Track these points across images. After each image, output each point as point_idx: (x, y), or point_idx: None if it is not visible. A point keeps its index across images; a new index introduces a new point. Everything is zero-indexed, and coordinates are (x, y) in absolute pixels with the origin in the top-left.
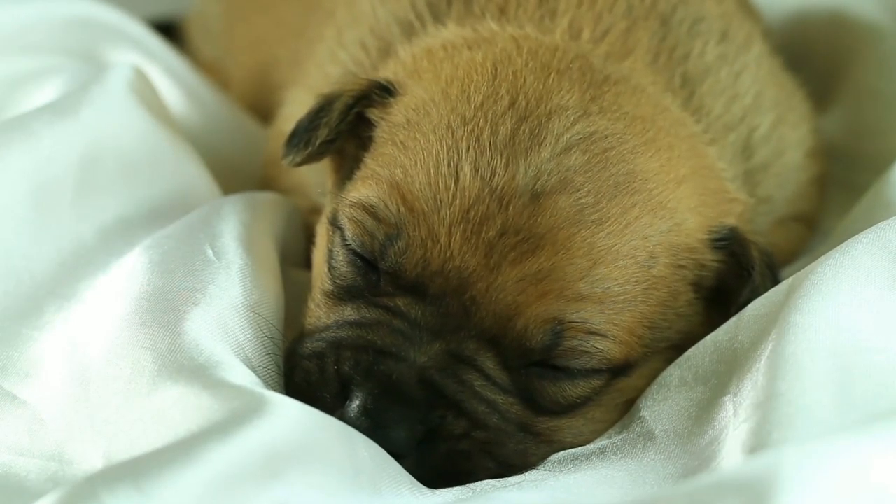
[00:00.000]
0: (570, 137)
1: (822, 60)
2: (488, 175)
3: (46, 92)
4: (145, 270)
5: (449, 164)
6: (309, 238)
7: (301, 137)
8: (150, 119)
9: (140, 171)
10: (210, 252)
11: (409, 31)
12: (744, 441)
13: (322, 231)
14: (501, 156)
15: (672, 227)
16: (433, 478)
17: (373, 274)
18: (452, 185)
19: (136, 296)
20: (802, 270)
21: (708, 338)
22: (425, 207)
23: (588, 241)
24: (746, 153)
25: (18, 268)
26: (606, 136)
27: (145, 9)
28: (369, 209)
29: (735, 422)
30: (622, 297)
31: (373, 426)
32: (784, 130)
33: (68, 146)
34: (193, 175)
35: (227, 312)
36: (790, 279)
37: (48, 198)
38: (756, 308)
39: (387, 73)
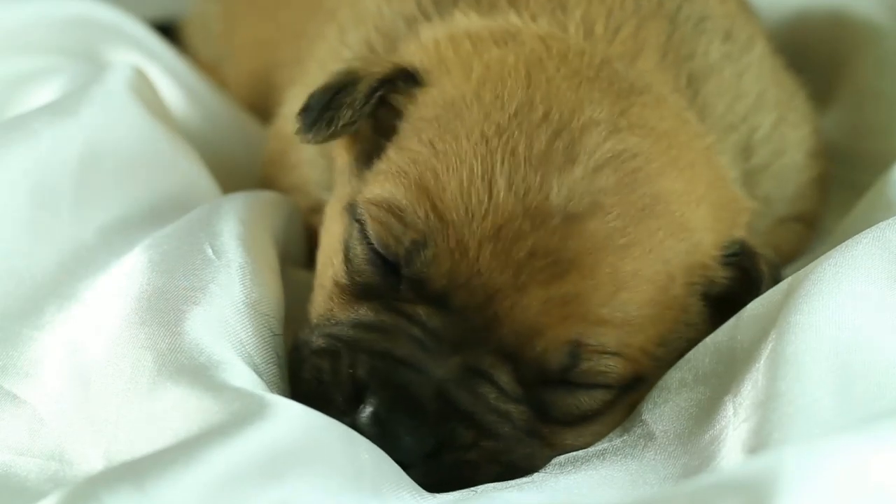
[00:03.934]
0: (602, 155)
1: (822, 60)
2: (522, 192)
3: (46, 92)
4: (145, 270)
5: (483, 177)
6: (310, 237)
7: (320, 115)
8: (150, 119)
9: (140, 171)
10: (210, 251)
11: (416, 30)
12: (744, 441)
13: (334, 215)
14: (536, 172)
15: (690, 248)
16: (438, 485)
17: (393, 277)
18: (486, 199)
19: (135, 295)
20: (802, 270)
21: (708, 339)
22: (456, 218)
23: (614, 266)
24: (746, 153)
25: (19, 268)
26: (635, 156)
27: (145, 9)
28: (396, 212)
29: (735, 421)
30: (639, 320)
31: (383, 435)
32: (785, 130)
33: (68, 146)
34: (193, 175)
35: (227, 311)
36: (790, 278)
37: (48, 198)
38: (755, 308)
39: (409, 56)
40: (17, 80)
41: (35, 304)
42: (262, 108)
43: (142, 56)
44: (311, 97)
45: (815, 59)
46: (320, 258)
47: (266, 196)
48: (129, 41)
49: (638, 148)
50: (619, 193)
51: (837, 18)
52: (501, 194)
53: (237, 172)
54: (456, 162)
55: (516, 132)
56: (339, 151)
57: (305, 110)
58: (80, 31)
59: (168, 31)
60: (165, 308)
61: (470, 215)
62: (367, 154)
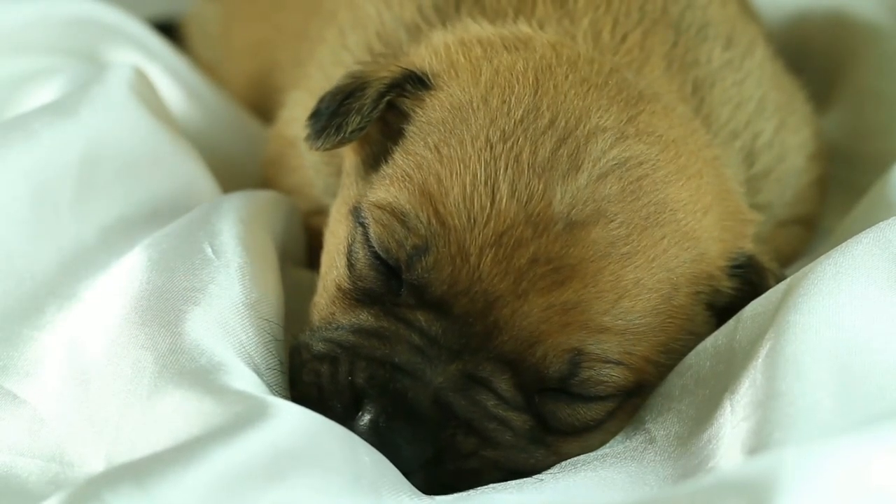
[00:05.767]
0: (607, 163)
1: (822, 60)
2: (525, 199)
3: (46, 92)
4: (144, 269)
5: (486, 183)
6: (309, 237)
7: (330, 121)
8: (150, 119)
9: (140, 171)
10: (209, 250)
11: (417, 35)
12: (744, 441)
13: (340, 217)
14: (539, 179)
15: (695, 258)
16: (440, 491)
17: (395, 282)
18: (488, 205)
19: (135, 294)
20: (802, 270)
21: (708, 342)
22: (457, 224)
23: (616, 274)
24: (749, 160)
25: (19, 268)
26: (641, 163)
27: (145, 9)
28: (399, 216)
29: (733, 420)
30: (642, 329)
31: (382, 442)
32: (785, 135)
33: (68, 146)
34: (194, 174)
35: (227, 311)
36: (789, 278)
37: (48, 198)
38: (755, 308)
39: (418, 59)
40: (17, 80)
41: (35, 304)
42: (261, 108)
43: (142, 56)
44: (321, 102)
45: (815, 59)
46: (325, 259)
47: (265, 195)
48: (129, 41)
49: (644, 155)
50: (623, 201)
51: (837, 18)
52: (504, 201)
53: (237, 172)
54: (460, 167)
55: (521, 138)
56: (347, 152)
57: (315, 115)
58: (80, 31)
59: (168, 30)
60: (165, 308)
61: (472, 221)
62: (375, 156)
